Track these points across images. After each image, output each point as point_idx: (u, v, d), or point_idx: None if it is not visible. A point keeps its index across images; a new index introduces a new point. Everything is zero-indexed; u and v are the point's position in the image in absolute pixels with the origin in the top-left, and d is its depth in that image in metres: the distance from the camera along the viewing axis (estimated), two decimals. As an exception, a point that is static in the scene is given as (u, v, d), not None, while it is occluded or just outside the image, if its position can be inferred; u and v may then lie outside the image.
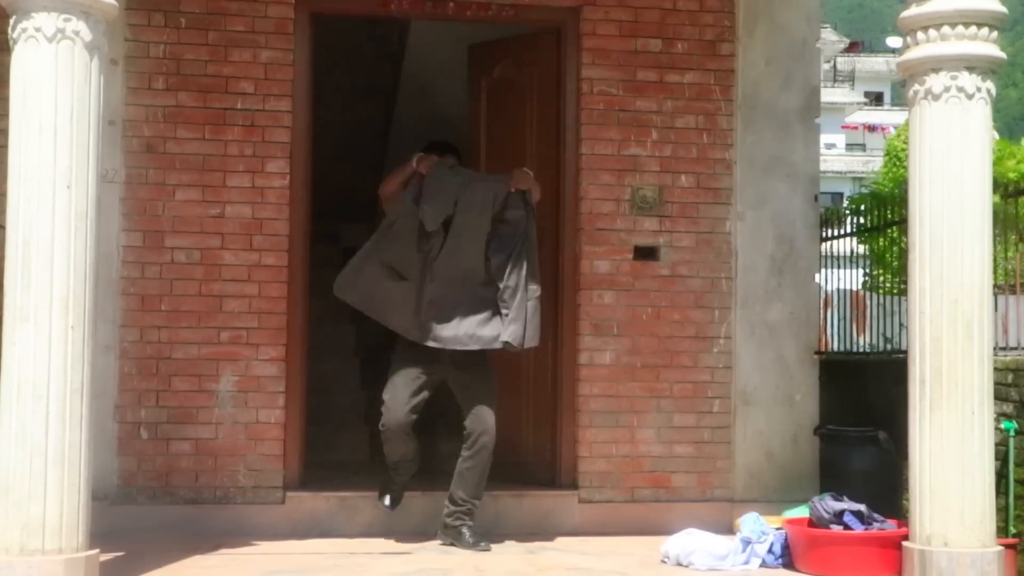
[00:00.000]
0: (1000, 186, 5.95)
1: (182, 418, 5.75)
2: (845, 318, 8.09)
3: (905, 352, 5.17)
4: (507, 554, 5.28)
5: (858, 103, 49.09)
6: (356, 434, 7.98)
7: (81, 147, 4.34)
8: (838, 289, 8.22)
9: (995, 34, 4.83)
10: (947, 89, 4.77)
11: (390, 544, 5.33)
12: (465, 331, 5.34)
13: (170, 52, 5.84)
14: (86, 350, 4.34)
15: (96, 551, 4.41)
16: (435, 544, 5.39)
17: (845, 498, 5.19)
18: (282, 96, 5.93)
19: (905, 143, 6.42)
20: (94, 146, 4.41)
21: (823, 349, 7.42)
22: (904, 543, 4.85)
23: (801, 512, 5.40)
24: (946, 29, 4.78)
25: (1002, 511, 5.23)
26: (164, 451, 5.74)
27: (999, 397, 5.33)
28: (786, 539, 5.18)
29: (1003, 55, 4.88)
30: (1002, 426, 5.38)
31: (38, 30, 4.30)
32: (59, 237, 4.28)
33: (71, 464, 4.26)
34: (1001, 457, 5.32)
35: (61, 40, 4.31)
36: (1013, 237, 6.65)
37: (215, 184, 5.85)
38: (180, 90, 5.85)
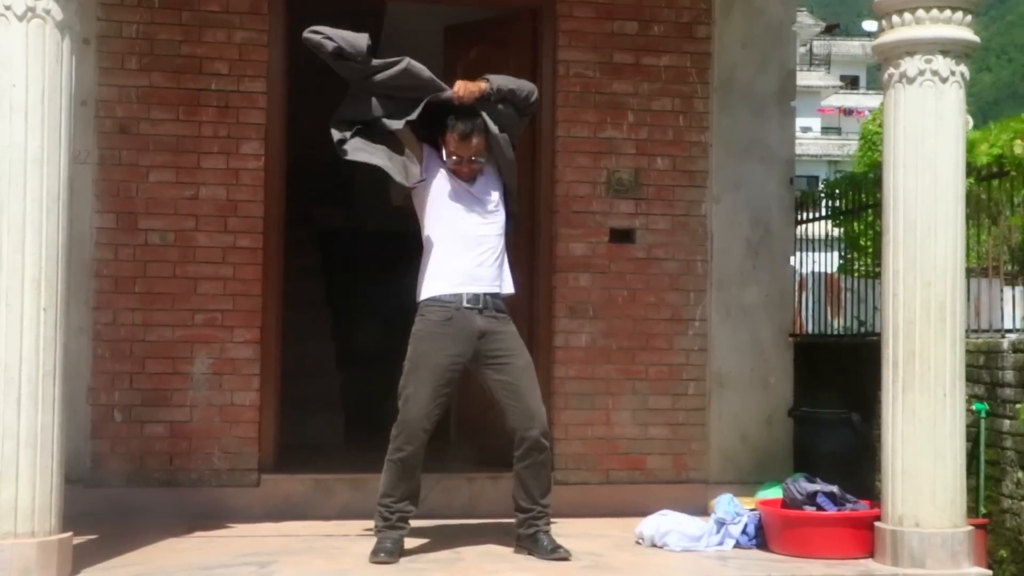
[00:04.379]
0: (973, 170, 5.97)
1: (156, 401, 5.73)
2: (819, 301, 8.13)
3: (879, 335, 5.20)
4: (483, 535, 5.29)
5: (834, 87, 49.21)
6: (331, 416, 7.98)
7: (53, 128, 4.30)
8: (813, 272, 8.26)
9: (969, 18, 4.85)
10: (921, 72, 4.79)
11: (366, 526, 5.32)
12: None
13: (143, 32, 5.80)
14: (58, 332, 4.31)
15: (69, 534, 4.39)
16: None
17: (818, 479, 5.23)
18: (257, 77, 5.89)
19: (879, 127, 6.45)
20: (66, 127, 4.37)
21: (797, 332, 7.46)
22: (876, 523, 4.89)
23: (775, 493, 5.43)
24: (921, 13, 4.80)
25: (973, 492, 5.28)
26: (138, 434, 5.72)
27: (971, 379, 5.37)
28: (760, 520, 5.22)
29: (977, 39, 4.90)
30: (973, 408, 5.42)
31: (8, 8, 4.24)
32: (31, 218, 4.23)
33: (43, 447, 4.23)
34: (972, 438, 5.36)
35: (31, 19, 4.25)
36: (986, 220, 6.69)
37: (189, 165, 5.82)
38: (153, 70, 5.80)
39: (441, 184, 4.97)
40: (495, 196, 5.02)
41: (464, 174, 4.96)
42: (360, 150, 4.86)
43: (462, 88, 4.94)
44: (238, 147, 5.86)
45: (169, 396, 5.75)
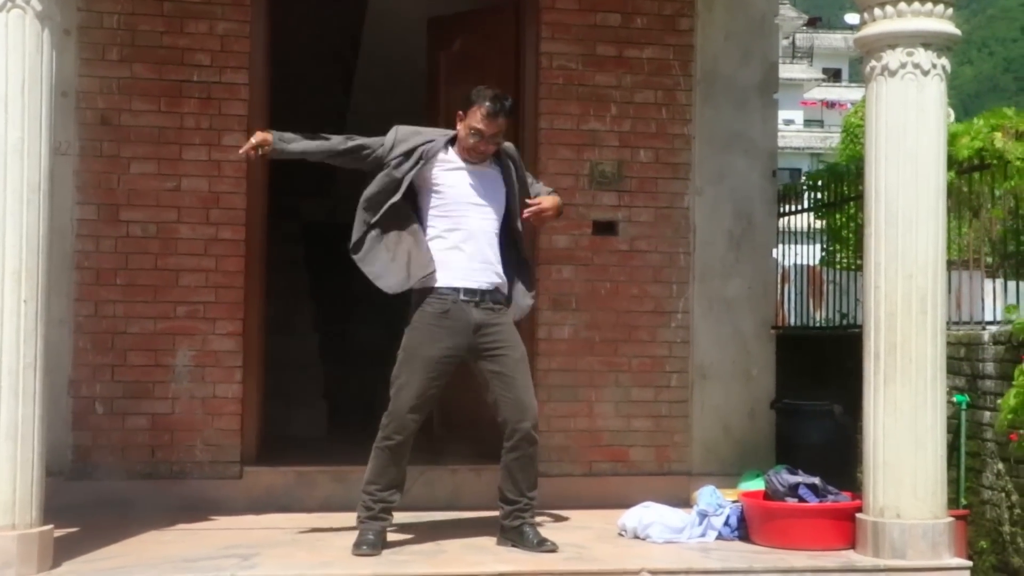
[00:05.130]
0: (954, 163, 6.00)
1: (138, 393, 5.71)
2: (802, 293, 8.16)
3: (860, 327, 5.22)
4: (466, 527, 5.29)
5: (816, 79, 49.29)
6: (314, 409, 7.98)
7: (33, 118, 4.28)
8: (795, 264, 8.28)
9: (950, 11, 4.86)
10: (903, 65, 4.81)
11: (349, 518, 5.31)
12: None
13: (124, 22, 5.77)
14: (39, 324, 4.29)
15: (50, 527, 4.37)
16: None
17: (800, 471, 5.24)
18: (239, 68, 5.87)
19: (861, 120, 6.47)
20: (46, 118, 4.34)
21: (780, 324, 7.48)
22: (858, 515, 4.91)
23: (757, 485, 5.45)
24: (902, 5, 4.81)
25: (953, 483, 5.31)
26: (120, 426, 5.70)
27: (951, 371, 5.40)
28: (742, 512, 5.23)
29: (958, 32, 4.91)
30: (954, 399, 5.45)
31: (-13, -1, 4.22)
32: (11, 210, 4.21)
33: (24, 439, 4.21)
34: (953, 430, 5.39)
35: (11, 9, 4.23)
36: (968, 213, 6.72)
37: (171, 157, 5.79)
38: (135, 61, 5.77)
39: (446, 175, 4.92)
40: (498, 195, 4.99)
41: (479, 152, 4.89)
42: (367, 259, 4.86)
43: (552, 209, 5.07)
44: (220, 139, 5.84)
45: (151, 388, 5.73)
